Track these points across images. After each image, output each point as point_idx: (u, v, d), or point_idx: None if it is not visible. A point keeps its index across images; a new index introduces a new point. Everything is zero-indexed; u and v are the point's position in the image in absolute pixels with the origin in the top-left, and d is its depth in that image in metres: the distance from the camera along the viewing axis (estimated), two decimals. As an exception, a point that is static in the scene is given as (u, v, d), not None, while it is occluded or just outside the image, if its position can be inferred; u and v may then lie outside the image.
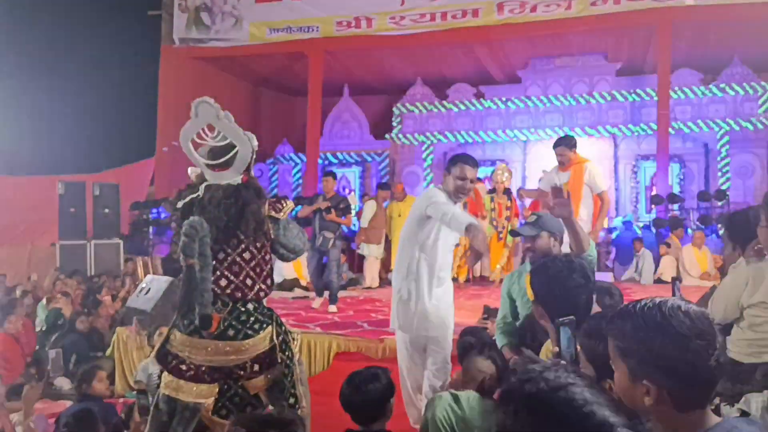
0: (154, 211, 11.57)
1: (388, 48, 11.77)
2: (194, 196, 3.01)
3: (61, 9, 16.65)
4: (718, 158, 11.45)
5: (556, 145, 5.73)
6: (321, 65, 11.91)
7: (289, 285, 8.77)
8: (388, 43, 11.52)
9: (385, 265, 9.33)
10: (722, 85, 11.61)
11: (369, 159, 13.54)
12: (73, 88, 17.32)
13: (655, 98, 10.81)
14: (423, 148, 13.04)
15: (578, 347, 1.59)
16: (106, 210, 10.46)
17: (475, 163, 3.83)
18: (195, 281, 2.77)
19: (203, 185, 3.01)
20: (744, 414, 1.60)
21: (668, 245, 9.20)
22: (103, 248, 10.17)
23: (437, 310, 3.72)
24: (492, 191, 9.28)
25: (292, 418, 1.60)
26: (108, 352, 5.74)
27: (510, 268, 8.74)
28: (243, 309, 2.96)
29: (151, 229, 11.42)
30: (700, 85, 11.76)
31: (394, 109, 13.35)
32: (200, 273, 2.77)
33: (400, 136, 13.16)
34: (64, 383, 5.27)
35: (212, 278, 2.87)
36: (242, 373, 2.99)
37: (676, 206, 10.43)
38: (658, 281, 9.13)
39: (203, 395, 2.94)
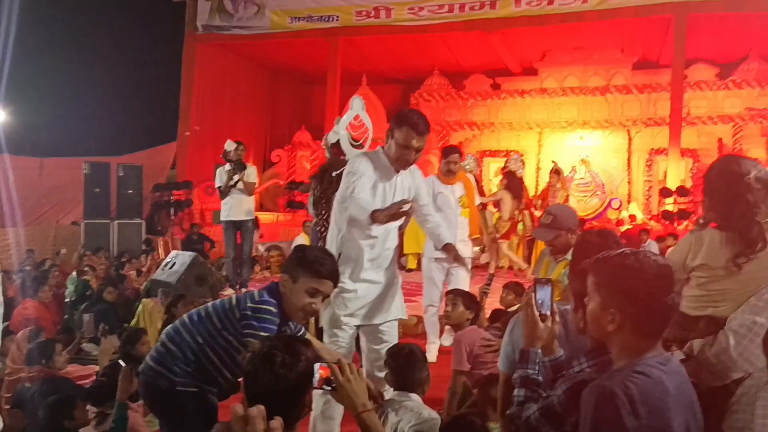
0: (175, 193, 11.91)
1: (406, 38, 11.95)
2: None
3: (88, -5, 17.03)
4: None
5: (449, 153, 5.13)
6: (340, 54, 12.13)
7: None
8: (406, 34, 11.70)
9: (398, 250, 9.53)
10: (738, 80, 11.66)
11: (386, 147, 13.72)
12: (98, 74, 17.74)
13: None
14: (439, 137, 13.24)
15: (553, 307, 1.83)
16: (130, 191, 10.79)
17: (424, 128, 3.07)
18: None
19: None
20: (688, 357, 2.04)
21: (675, 237, 9.32)
22: (126, 227, 10.51)
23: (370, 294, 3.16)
24: None
25: (301, 345, 1.74)
26: (132, 322, 6.05)
27: (521, 254, 8.93)
28: None
29: (172, 210, 11.75)
30: (716, 80, 11.83)
31: (411, 98, 13.55)
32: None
33: (417, 125, 13.32)
34: (91, 348, 5.61)
35: None
36: None
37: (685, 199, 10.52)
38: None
39: None
